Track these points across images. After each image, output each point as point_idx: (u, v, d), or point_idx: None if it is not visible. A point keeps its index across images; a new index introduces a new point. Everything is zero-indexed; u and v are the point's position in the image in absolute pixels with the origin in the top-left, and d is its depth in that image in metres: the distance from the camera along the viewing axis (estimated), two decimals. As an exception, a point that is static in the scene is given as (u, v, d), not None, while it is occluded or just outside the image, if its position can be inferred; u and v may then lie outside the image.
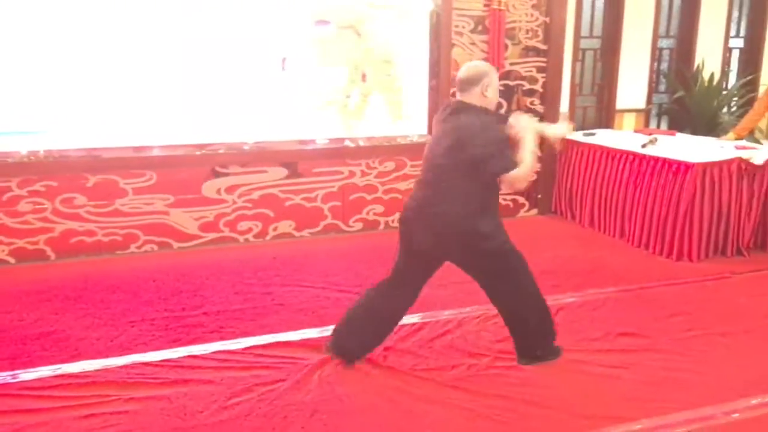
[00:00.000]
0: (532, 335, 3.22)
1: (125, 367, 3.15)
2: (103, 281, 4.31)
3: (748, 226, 4.89)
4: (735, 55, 6.91)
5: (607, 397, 2.93)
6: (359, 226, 5.55)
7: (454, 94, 3.11)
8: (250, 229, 5.22)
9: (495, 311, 3.76)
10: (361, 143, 5.46)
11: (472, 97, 2.95)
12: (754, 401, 2.89)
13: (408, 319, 3.70)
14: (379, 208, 5.58)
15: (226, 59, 4.93)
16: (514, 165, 2.81)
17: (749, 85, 6.67)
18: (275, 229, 5.29)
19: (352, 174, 5.44)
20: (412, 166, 5.59)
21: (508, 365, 3.20)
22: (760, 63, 6.75)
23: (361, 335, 3.18)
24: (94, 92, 4.67)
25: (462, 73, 2.99)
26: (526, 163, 2.82)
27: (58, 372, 3.11)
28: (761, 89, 6.24)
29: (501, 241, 3.09)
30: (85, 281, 4.31)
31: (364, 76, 5.34)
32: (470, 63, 3.08)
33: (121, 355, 3.28)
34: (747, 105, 6.37)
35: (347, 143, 5.42)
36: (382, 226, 5.61)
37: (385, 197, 5.58)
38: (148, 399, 2.88)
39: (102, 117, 4.74)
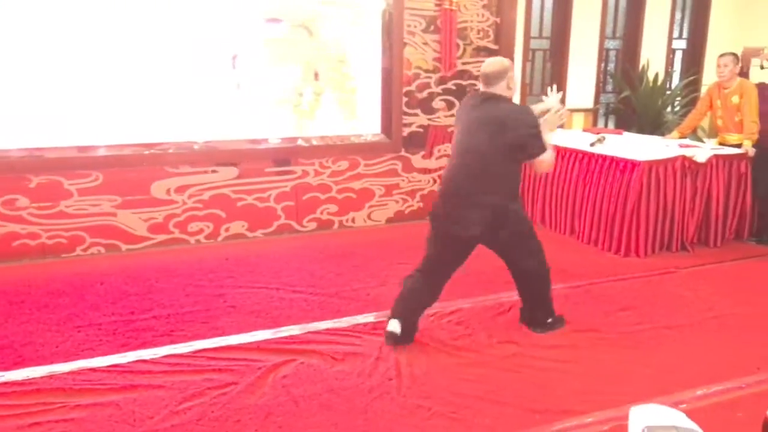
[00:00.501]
0: (548, 304, 3.61)
1: (71, 373, 3.05)
2: (48, 285, 4.17)
3: (691, 222, 5.05)
4: (678, 56, 7.12)
5: (560, 391, 2.98)
6: (313, 225, 5.51)
7: (478, 87, 3.41)
8: (201, 230, 5.12)
9: (450, 309, 3.80)
10: (315, 142, 5.42)
11: (500, 90, 3.26)
12: (699, 392, 2.97)
13: (363, 319, 3.70)
14: (333, 208, 5.55)
15: (175, 56, 4.83)
16: (545, 148, 3.19)
17: (692, 85, 6.89)
18: (227, 229, 5.21)
19: (305, 173, 5.40)
20: (365, 165, 5.59)
21: (464, 362, 3.22)
22: (702, 64, 6.98)
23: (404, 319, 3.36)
24: (35, 89, 4.51)
25: (488, 68, 3.27)
26: (550, 147, 3.22)
27: (1, 380, 2.99)
28: (703, 89, 6.45)
29: (530, 224, 3.49)
30: (28, 285, 4.15)
31: (316, 75, 5.30)
32: (492, 59, 3.37)
33: (66, 361, 3.17)
34: (690, 104, 6.58)
35: (300, 142, 5.37)
36: (336, 226, 5.59)
37: (339, 197, 5.56)
38: (95, 406, 2.79)
39: (44, 115, 4.58)
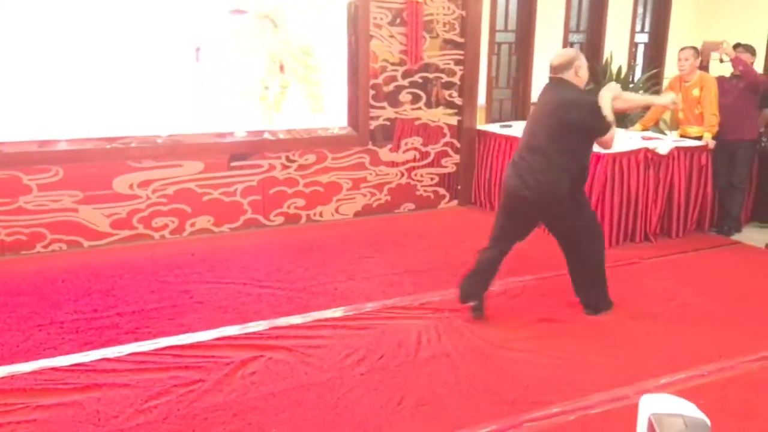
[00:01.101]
0: (604, 286, 3.80)
1: (33, 373, 2.98)
2: (8, 283, 4.05)
3: (654, 214, 5.14)
4: (640, 50, 7.23)
5: (528, 381, 3.01)
6: (280, 220, 5.46)
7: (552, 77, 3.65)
8: (165, 226, 5.04)
9: (420, 302, 3.81)
10: (281, 136, 5.37)
11: (567, 77, 3.55)
12: (663, 380, 3.03)
13: (332, 313, 3.69)
14: (301, 202, 5.51)
15: (137, 48, 4.73)
16: (609, 127, 3.49)
17: (654, 78, 7.00)
18: (193, 224, 5.13)
19: (272, 167, 5.35)
20: (333, 158, 5.55)
21: (433, 354, 3.23)
22: (664, 57, 7.09)
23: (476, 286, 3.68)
24: (-9, 82, 4.38)
25: (555, 60, 3.59)
26: (613, 126, 3.52)
27: (-42, 382, 2.90)
28: (665, 82, 6.56)
29: (589, 203, 3.82)
30: (-15, 284, 4.04)
31: (282, 67, 5.25)
32: (561, 50, 3.75)
33: (28, 361, 3.09)
34: (652, 98, 6.68)
35: (267, 136, 5.32)
36: (303, 220, 5.55)
37: (307, 190, 5.51)
38: (58, 406, 2.73)
39: (2, 109, 4.44)
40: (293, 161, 5.40)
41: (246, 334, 3.39)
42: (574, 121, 3.46)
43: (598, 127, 3.48)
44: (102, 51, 4.63)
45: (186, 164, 5.01)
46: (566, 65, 3.55)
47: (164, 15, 4.76)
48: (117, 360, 3.12)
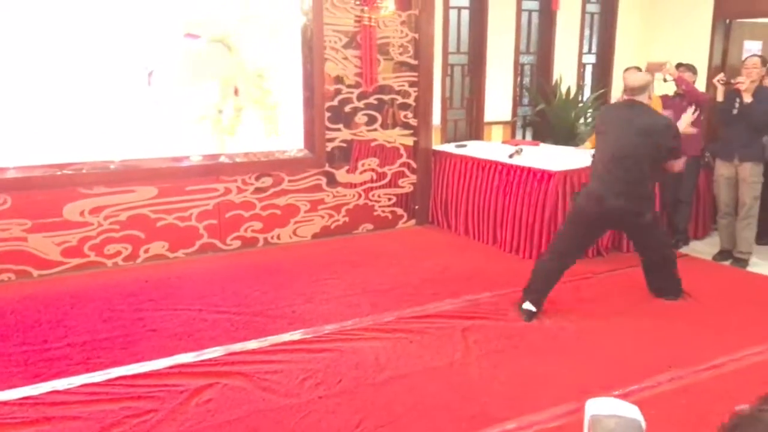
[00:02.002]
0: (677, 275, 4.29)
1: (-22, 409, 2.88)
2: (-49, 317, 3.92)
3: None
4: (588, 70, 7.44)
5: (485, 398, 3.03)
6: (237, 243, 5.42)
7: (626, 97, 4.06)
8: (118, 253, 4.94)
9: (380, 323, 3.82)
10: (238, 159, 5.34)
11: (643, 99, 3.90)
12: (616, 392, 3.08)
13: (289, 336, 3.67)
14: (258, 225, 5.48)
15: (88, 72, 4.66)
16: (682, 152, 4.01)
17: (602, 97, 7.20)
18: (147, 251, 5.04)
19: (228, 191, 5.31)
20: (290, 181, 5.55)
21: (391, 375, 3.23)
22: (611, 77, 7.31)
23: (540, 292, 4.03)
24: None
25: (633, 81, 3.96)
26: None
27: None
28: (612, 101, 6.75)
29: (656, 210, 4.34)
30: (-72, 318, 3.90)
31: (236, 91, 5.24)
32: (635, 73, 4.15)
33: (-28, 397, 2.99)
34: (601, 116, 6.86)
35: (223, 159, 5.28)
36: (261, 243, 5.51)
37: (264, 213, 5.49)
38: (4, 442, 2.64)
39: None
40: (250, 184, 5.37)
41: (201, 361, 3.34)
42: (667, 144, 3.85)
43: (679, 151, 3.95)
44: (52, 75, 4.55)
45: (139, 189, 4.94)
46: (644, 87, 3.90)
47: (116, 39, 4.71)
48: (67, 392, 3.04)
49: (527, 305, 3.98)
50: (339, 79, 5.64)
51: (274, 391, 3.06)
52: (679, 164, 4.05)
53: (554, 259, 4.05)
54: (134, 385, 3.08)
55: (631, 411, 0.87)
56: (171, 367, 3.26)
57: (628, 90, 3.99)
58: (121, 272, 4.80)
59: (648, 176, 3.92)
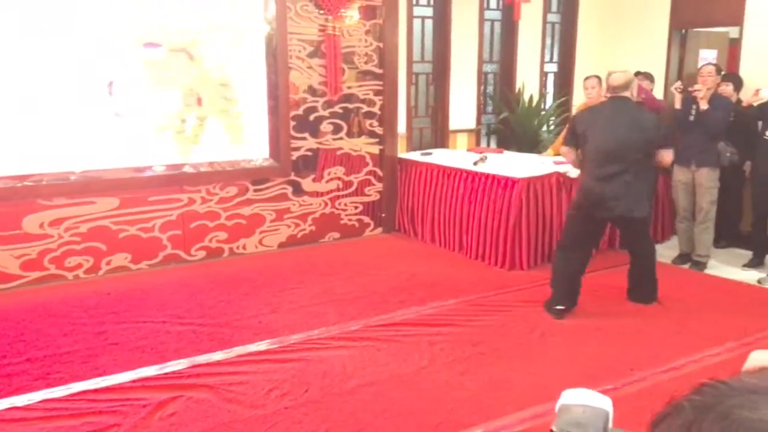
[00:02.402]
0: (656, 282, 4.37)
1: (-69, 429, 2.80)
2: None
3: (569, 234, 5.34)
4: (550, 79, 7.56)
5: (452, 404, 3.04)
6: (202, 254, 5.36)
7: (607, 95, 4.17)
8: (80, 265, 4.85)
9: (347, 332, 3.81)
10: (203, 169, 5.29)
11: (628, 95, 4.01)
12: (580, 395, 3.13)
13: (255, 347, 3.64)
14: (223, 235, 5.43)
15: (48, 83, 4.57)
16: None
17: (563, 105, 7.33)
18: (108, 263, 4.96)
19: (191, 201, 5.25)
20: (255, 190, 5.52)
21: (358, 383, 3.23)
22: (572, 85, 7.44)
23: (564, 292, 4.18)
24: None
25: (616, 80, 4.02)
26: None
27: None
28: (574, 109, 6.88)
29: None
30: None
31: (199, 100, 5.19)
32: (618, 72, 4.07)
33: (-75, 417, 2.90)
34: (562, 123, 6.99)
35: (187, 169, 5.23)
36: (226, 253, 5.46)
37: (229, 223, 5.44)
38: (-41, 462, 2.57)
39: None
40: (215, 194, 5.33)
41: (165, 374, 3.29)
42: (659, 138, 4.04)
43: (665, 142, 4.13)
44: (10, 85, 4.46)
45: (100, 201, 4.86)
46: (627, 85, 4.01)
47: (75, 48, 4.64)
48: (27, 408, 2.97)
49: (554, 304, 4.16)
50: (307, 89, 5.63)
51: (239, 403, 3.03)
52: (669, 156, 4.15)
53: (559, 256, 4.24)
54: (96, 400, 3.02)
55: (602, 401, 0.88)
56: (134, 381, 3.21)
57: (611, 89, 4.08)
58: (82, 285, 4.71)
59: (643, 168, 4.06)
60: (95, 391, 3.11)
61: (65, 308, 4.21)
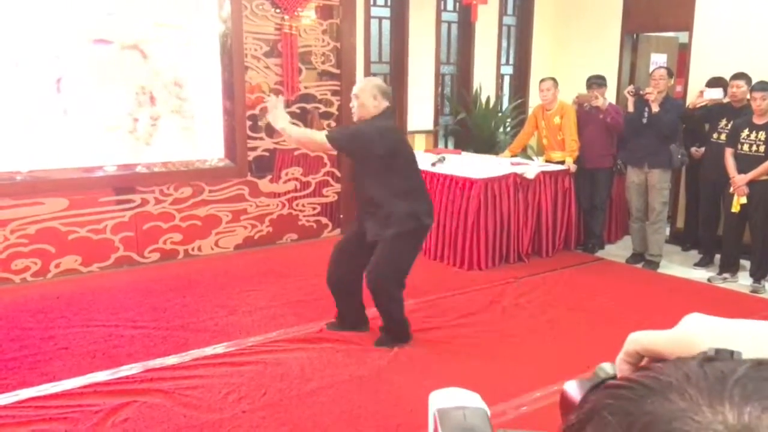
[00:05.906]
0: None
1: None
2: None
3: (525, 235, 5.41)
4: (506, 81, 7.65)
5: (412, 405, 3.02)
6: (156, 256, 5.23)
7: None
8: (27, 268, 4.67)
9: (306, 334, 3.77)
10: (156, 169, 5.16)
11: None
12: (538, 393, 3.16)
13: (211, 350, 3.56)
14: (177, 237, 5.31)
15: (-11, 79, 4.41)
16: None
17: (519, 107, 7.41)
18: (57, 265, 4.79)
19: (144, 202, 5.13)
20: (210, 191, 5.42)
21: (318, 386, 3.19)
22: (528, 88, 7.53)
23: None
24: None
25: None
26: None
27: None
28: (529, 111, 6.96)
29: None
30: None
31: (153, 99, 5.07)
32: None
33: None
34: (519, 125, 7.07)
35: (140, 169, 5.10)
36: (181, 255, 5.34)
37: (183, 225, 5.33)
38: None
39: None
40: (168, 195, 5.21)
41: (117, 379, 3.20)
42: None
43: None
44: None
45: (48, 201, 4.70)
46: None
47: (22, 43, 4.47)
48: (-31, 418, 2.84)
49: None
50: (260, 88, 5.56)
51: (195, 407, 2.96)
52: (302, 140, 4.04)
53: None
54: (45, 407, 2.91)
55: (474, 400, 0.87)
56: (85, 387, 3.10)
57: (386, 97, 3.90)
58: (30, 288, 4.54)
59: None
60: (44, 397, 3.00)
61: (12, 313, 4.05)
